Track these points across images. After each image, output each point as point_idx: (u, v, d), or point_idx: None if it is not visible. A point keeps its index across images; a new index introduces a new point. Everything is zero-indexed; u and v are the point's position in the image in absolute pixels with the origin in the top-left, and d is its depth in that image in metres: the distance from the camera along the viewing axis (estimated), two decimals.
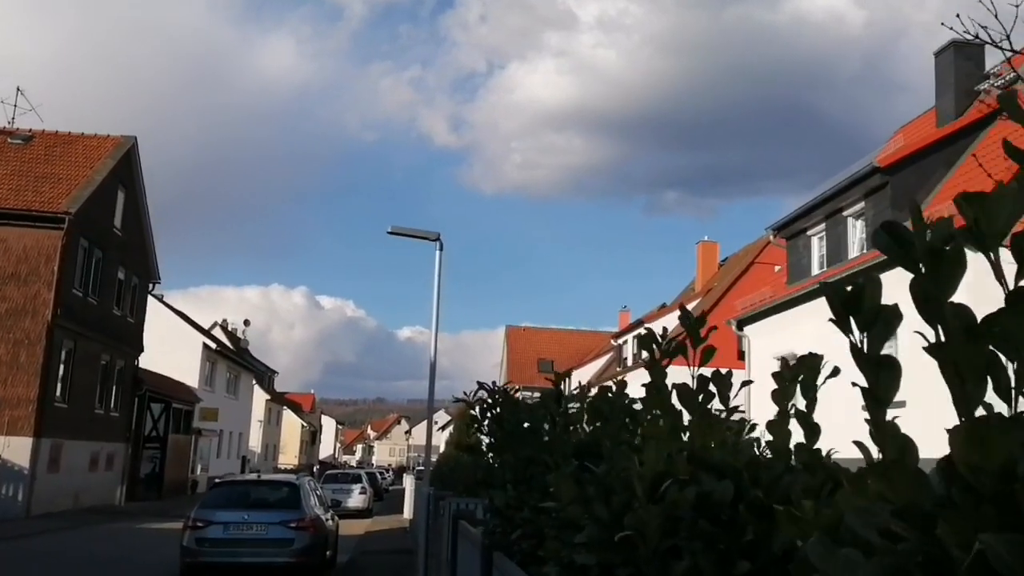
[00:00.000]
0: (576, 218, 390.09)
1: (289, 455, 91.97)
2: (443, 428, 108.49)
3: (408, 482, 32.86)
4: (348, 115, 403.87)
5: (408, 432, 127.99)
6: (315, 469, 78.60)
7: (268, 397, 76.95)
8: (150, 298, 45.40)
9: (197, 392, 44.65)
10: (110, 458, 31.77)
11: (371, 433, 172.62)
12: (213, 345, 47.41)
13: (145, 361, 37.48)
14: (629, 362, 39.87)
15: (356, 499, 32.51)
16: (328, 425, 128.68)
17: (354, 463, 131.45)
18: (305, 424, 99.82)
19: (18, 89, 31.08)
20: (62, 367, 27.14)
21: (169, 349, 43.17)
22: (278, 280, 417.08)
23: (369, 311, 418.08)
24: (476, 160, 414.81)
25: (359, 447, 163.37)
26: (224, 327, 73.99)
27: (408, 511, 30.95)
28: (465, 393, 5.76)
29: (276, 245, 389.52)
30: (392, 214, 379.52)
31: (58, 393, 26.94)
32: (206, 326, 62.53)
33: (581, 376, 54.31)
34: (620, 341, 41.70)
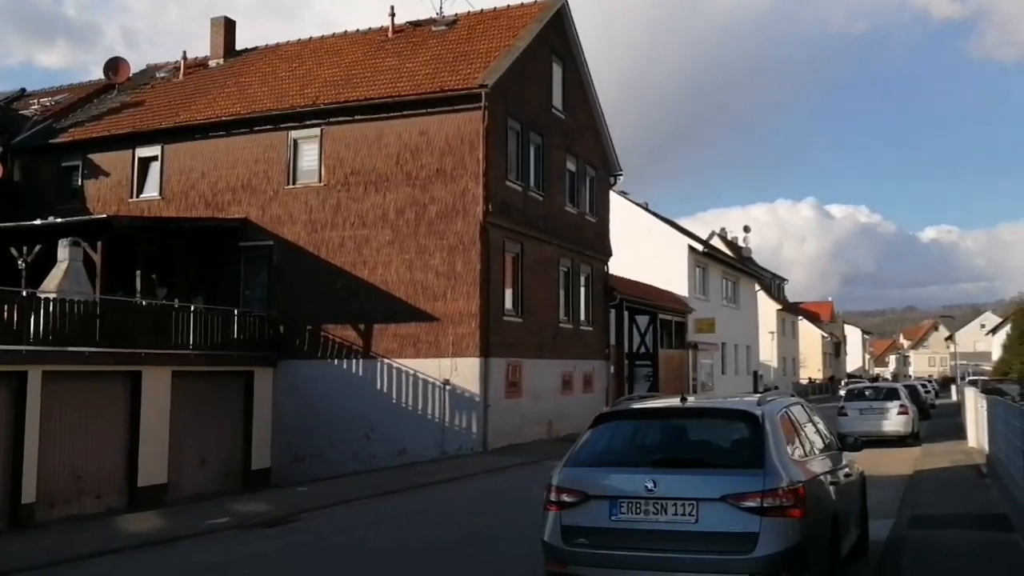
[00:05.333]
0: None
1: (811, 368, 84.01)
2: (993, 331, 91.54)
3: (970, 395, 23.43)
4: (831, 9, 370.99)
5: (950, 338, 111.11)
6: (843, 383, 69.47)
7: (779, 307, 69.71)
8: (625, 201, 41.12)
9: (688, 301, 39.16)
10: (587, 379, 27.42)
11: (904, 342, 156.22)
12: (700, 247, 41.40)
13: (623, 270, 32.81)
14: None
15: (894, 421, 23.95)
16: (853, 336, 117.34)
17: (888, 376, 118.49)
18: (825, 335, 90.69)
19: None
20: (509, 274, 22.98)
21: (650, 255, 38.32)
22: (783, 195, 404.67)
23: (885, 215, 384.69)
24: (988, 26, 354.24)
25: (891, 358, 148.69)
26: (723, 236, 68.50)
27: (975, 436, 21.71)
28: None
29: (776, 159, 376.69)
30: (895, 106, 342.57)
31: (508, 305, 22.85)
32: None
33: None
34: None
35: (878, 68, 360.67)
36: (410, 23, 27.40)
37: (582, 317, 27.49)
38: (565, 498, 6.54)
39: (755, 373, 52.58)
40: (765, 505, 5.98)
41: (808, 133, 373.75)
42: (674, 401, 7.37)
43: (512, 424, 22.26)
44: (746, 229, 74.74)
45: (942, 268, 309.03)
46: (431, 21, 27.03)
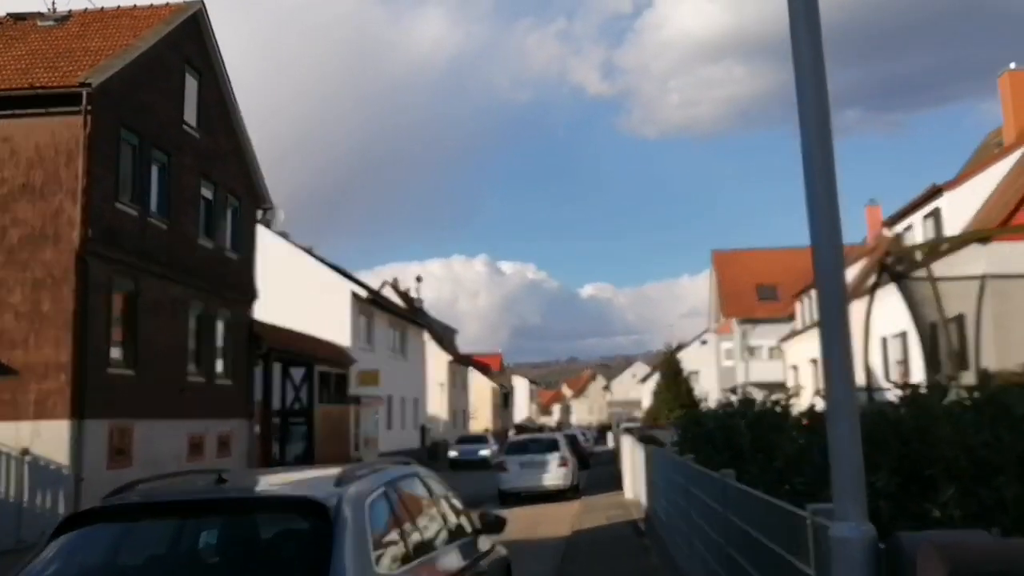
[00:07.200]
0: (747, 151, 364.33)
1: (481, 420, 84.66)
2: (644, 380, 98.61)
3: (627, 445, 22.95)
4: (499, 77, 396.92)
5: (607, 387, 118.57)
6: (510, 433, 70.16)
7: (450, 358, 69.23)
8: (285, 243, 37.98)
9: (351, 352, 36.56)
10: (224, 441, 23.68)
11: (567, 392, 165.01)
12: (364, 294, 39.11)
13: (279, 318, 29.58)
14: (919, 255, 27.81)
15: (554, 475, 22.93)
16: (521, 386, 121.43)
17: (553, 424, 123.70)
18: (495, 386, 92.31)
19: None
20: (118, 317, 18.96)
21: (311, 303, 35.35)
22: (458, 251, 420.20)
23: (550, 272, 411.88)
24: (633, 105, 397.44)
25: (556, 407, 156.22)
26: (395, 286, 66.97)
27: (632, 487, 21.06)
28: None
29: (452, 216, 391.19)
30: (557, 171, 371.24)
31: (116, 355, 18.79)
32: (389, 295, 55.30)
33: None
34: (901, 228, 29.58)
35: (542, 136, 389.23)
36: (10, 15, 22.61)
37: (219, 369, 23.82)
38: None
39: (423, 427, 51.05)
40: None
41: (482, 193, 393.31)
42: (206, 485, 4.60)
43: None
44: (418, 279, 73.88)
45: (600, 322, 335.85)
46: (38, 15, 22.50)
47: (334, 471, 4.54)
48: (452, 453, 45.98)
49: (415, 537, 4.76)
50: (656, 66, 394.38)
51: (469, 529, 6.15)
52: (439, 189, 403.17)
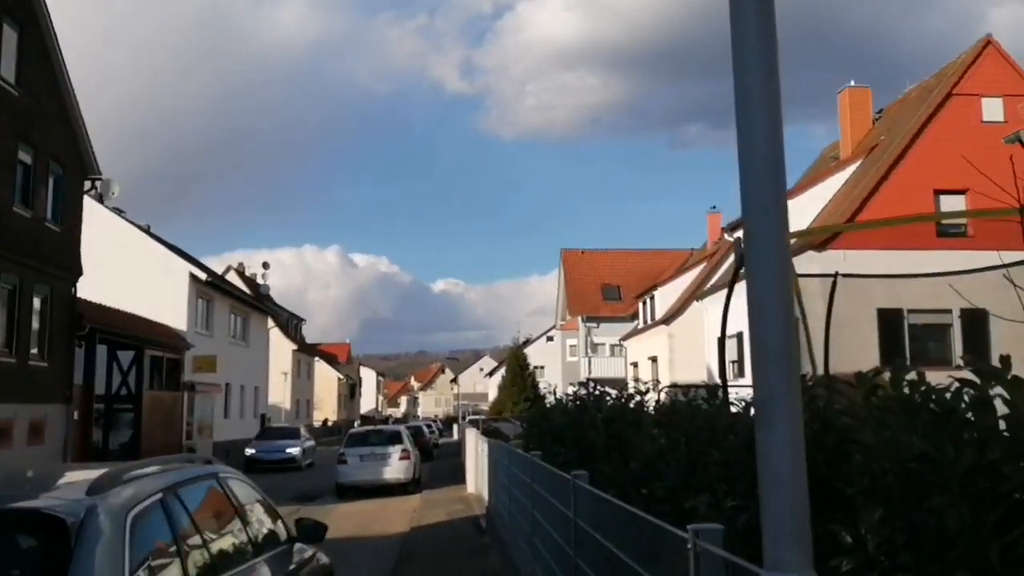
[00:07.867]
0: (600, 158, 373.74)
1: (325, 410, 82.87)
2: (491, 374, 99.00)
3: (471, 438, 22.49)
4: (358, 69, 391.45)
5: (455, 380, 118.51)
6: (356, 424, 68.72)
7: (295, 347, 67.14)
8: (120, 220, 35.58)
9: (187, 336, 34.57)
10: (36, 427, 21.69)
11: (415, 384, 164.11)
12: (203, 276, 37.06)
13: (110, 298, 27.64)
14: None
15: (395, 468, 22.23)
16: (368, 377, 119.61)
17: (399, 415, 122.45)
18: (342, 377, 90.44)
19: None
20: None
21: (145, 283, 33.25)
22: (310, 241, 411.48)
23: (403, 266, 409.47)
24: (491, 105, 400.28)
25: (403, 399, 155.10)
26: (240, 272, 64.40)
27: (474, 482, 20.65)
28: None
29: (305, 206, 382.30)
30: (414, 166, 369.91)
31: None
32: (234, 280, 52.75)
33: (666, 296, 43.42)
34: (741, 233, 30.50)
35: (400, 130, 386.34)
36: None
37: (33, 349, 21.79)
38: None
39: (263, 416, 49.13)
40: None
41: (337, 184, 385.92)
42: None
43: None
44: (265, 266, 71.17)
45: (450, 317, 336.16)
46: None
47: (98, 472, 3.69)
48: (249, 451, 34.72)
49: (205, 553, 4.00)
50: (515, 68, 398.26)
51: (284, 537, 5.43)
52: (293, 177, 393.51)
